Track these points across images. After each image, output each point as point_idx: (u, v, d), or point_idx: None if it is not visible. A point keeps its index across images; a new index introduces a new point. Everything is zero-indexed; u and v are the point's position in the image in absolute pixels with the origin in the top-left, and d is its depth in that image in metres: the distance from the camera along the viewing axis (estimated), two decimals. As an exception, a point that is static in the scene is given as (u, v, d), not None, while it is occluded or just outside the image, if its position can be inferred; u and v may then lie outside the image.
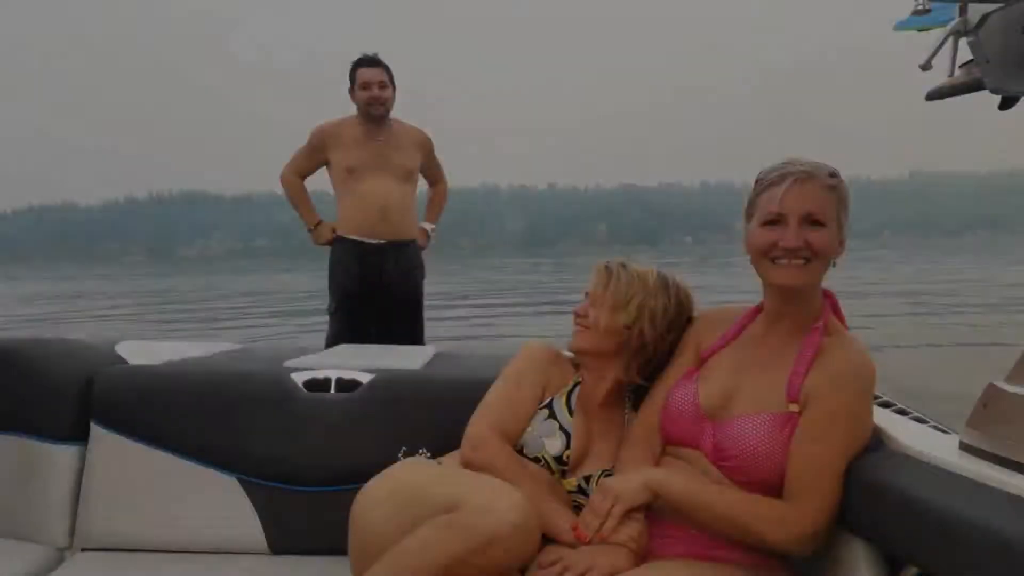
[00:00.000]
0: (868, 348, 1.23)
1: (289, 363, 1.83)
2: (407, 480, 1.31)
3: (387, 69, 3.14)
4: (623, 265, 1.47)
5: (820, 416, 1.17)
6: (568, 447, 1.42)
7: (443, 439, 1.54)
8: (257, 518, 1.63)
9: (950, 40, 1.09)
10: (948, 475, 1.04)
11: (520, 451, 1.42)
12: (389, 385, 1.72)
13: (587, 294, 1.48)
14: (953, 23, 1.08)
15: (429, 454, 1.55)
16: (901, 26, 1.22)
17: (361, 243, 3.14)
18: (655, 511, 1.27)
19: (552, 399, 1.47)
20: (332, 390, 1.73)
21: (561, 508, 1.33)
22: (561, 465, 1.42)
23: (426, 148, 3.31)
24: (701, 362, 1.38)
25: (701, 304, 1.51)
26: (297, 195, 3.28)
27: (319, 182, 3.36)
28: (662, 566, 1.21)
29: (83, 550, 1.65)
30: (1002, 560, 0.82)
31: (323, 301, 3.34)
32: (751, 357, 1.31)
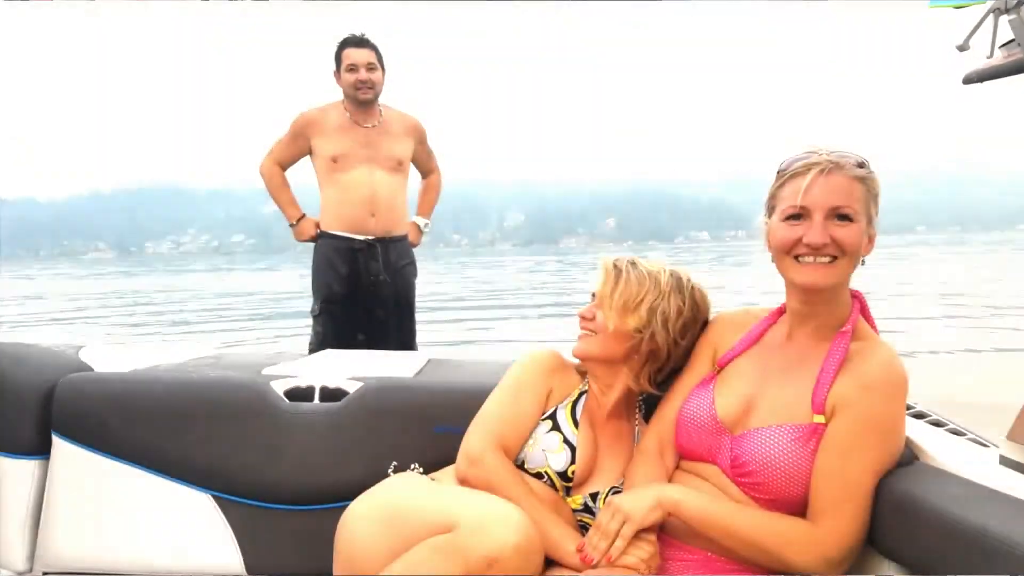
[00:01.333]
0: (900, 354, 1.24)
1: (269, 370, 1.84)
2: (397, 498, 1.32)
3: (376, 50, 3.14)
4: (633, 263, 1.47)
5: (848, 428, 1.17)
6: (573, 462, 1.42)
7: (437, 453, 1.55)
8: (233, 539, 1.64)
9: (989, 18, 1.10)
10: (987, 492, 1.04)
11: (521, 466, 1.43)
12: (378, 394, 1.72)
13: (593, 295, 1.48)
14: (992, 0, 1.08)
15: (422, 469, 1.55)
16: (936, 3, 1.22)
17: (347, 239, 3.14)
18: (668, 531, 1.27)
19: (556, 410, 1.47)
20: (316, 400, 1.73)
21: (565, 528, 1.33)
22: (565, 481, 1.42)
23: (418, 135, 3.31)
24: (718, 369, 1.38)
25: (718, 306, 1.51)
26: (277, 187, 3.27)
27: (302, 173, 3.36)
28: (675, 591, 1.21)
29: (45, 574, 1.65)
30: None
31: (306, 303, 3.34)
32: (773, 364, 1.31)
